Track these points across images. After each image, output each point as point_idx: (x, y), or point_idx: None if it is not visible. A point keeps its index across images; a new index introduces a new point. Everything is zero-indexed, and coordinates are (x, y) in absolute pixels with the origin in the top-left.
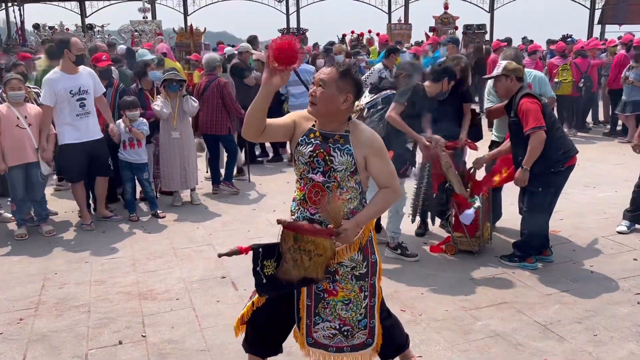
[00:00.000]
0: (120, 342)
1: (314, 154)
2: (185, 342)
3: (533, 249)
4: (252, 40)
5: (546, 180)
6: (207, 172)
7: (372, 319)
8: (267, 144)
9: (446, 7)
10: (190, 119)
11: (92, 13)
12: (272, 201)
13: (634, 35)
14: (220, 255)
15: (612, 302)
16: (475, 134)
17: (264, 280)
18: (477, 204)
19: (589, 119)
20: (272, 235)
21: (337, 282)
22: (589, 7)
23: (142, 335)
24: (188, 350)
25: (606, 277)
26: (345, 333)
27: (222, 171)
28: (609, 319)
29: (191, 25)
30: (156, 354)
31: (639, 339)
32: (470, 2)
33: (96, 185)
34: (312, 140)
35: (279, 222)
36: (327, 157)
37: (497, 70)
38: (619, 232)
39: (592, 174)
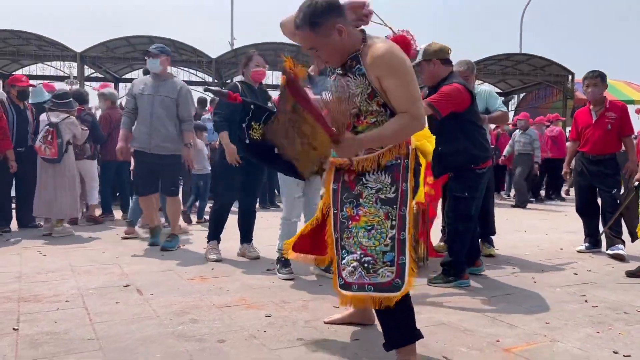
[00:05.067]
0: None
1: (336, 82)
2: (69, 333)
3: (465, 262)
4: None
5: (471, 183)
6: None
7: (402, 256)
8: None
9: None
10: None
11: None
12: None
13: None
14: (206, 90)
15: (560, 301)
16: None
17: (247, 141)
18: None
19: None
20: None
21: (361, 205)
22: None
23: (14, 329)
24: (70, 340)
25: (550, 285)
26: (366, 265)
27: None
28: (559, 312)
29: None
30: (27, 343)
31: (593, 325)
32: None
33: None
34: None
35: (284, 72)
36: (345, 83)
37: (417, 59)
38: (578, 252)
39: (520, 224)
